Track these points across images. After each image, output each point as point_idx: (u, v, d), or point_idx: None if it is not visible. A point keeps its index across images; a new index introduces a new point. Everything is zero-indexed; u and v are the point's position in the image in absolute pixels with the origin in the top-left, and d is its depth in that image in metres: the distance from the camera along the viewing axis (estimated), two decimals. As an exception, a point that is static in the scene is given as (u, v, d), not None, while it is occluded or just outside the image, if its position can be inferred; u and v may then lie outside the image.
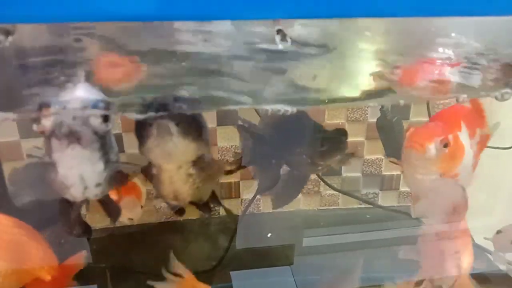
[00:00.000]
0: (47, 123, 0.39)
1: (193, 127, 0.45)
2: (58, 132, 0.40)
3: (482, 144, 0.62)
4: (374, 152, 0.90)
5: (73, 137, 0.40)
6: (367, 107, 0.86)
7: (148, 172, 0.51)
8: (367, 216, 0.89)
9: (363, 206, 0.92)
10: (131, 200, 0.67)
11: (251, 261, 0.78)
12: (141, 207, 0.70)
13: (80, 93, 0.39)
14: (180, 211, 0.61)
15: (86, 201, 0.51)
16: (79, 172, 0.44)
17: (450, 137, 0.55)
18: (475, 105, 0.60)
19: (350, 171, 0.91)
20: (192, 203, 0.57)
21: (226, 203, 0.90)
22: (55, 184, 0.45)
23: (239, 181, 0.89)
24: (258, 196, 0.88)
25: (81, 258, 0.54)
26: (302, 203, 0.93)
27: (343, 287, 0.71)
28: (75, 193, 0.46)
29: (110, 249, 0.78)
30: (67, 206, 0.50)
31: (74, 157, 0.42)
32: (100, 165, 0.45)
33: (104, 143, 0.44)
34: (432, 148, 0.54)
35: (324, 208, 0.93)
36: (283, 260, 0.78)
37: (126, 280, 0.72)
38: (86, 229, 0.56)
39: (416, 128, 0.57)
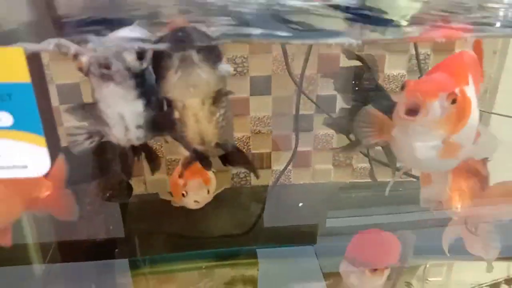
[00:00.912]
0: (83, 58, 0.40)
1: (212, 55, 0.44)
2: (93, 68, 0.41)
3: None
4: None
5: (106, 72, 0.41)
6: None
7: (170, 118, 0.49)
8: (400, 189, 0.88)
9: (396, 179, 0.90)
10: (197, 183, 0.67)
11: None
12: (208, 191, 0.69)
13: (121, 31, 0.39)
14: (207, 162, 0.59)
15: (135, 150, 0.51)
16: (117, 111, 0.44)
17: (457, 90, 0.44)
18: (478, 51, 0.51)
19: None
20: (218, 145, 0.54)
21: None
22: (99, 123, 0.46)
23: (270, 152, 0.89)
24: (289, 168, 0.88)
25: (61, 162, 0.52)
26: (333, 175, 0.92)
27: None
28: (117, 134, 0.46)
29: (141, 216, 0.80)
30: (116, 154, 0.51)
31: (110, 94, 0.43)
32: (139, 106, 0.45)
33: (141, 83, 0.44)
34: (437, 106, 0.43)
35: (355, 181, 0.92)
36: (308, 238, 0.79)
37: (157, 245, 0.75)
38: (128, 188, 0.57)
39: (415, 82, 0.45)
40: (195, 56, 0.42)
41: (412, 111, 0.43)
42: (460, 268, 0.83)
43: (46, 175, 0.34)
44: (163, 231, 0.78)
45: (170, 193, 0.73)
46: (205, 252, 0.76)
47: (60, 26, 0.44)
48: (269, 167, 0.90)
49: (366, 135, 0.51)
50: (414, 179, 0.89)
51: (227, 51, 0.80)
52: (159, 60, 0.43)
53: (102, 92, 0.43)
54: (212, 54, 0.44)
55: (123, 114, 0.45)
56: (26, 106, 0.29)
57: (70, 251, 0.65)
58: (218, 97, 0.48)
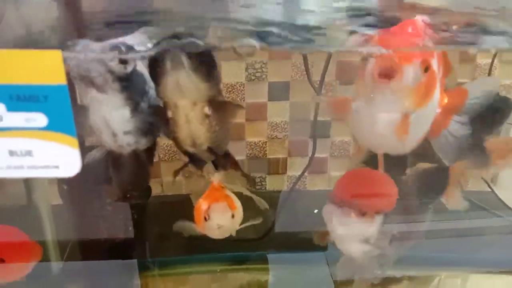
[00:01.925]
0: (68, 65, 0.40)
1: (204, 62, 0.45)
2: (76, 74, 0.41)
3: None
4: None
5: (87, 78, 0.41)
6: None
7: (164, 118, 0.50)
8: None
9: (412, 189, 0.90)
10: (221, 206, 0.62)
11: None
12: (233, 216, 0.64)
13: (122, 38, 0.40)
14: (199, 162, 0.59)
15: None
16: (103, 117, 0.45)
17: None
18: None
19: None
20: (210, 151, 0.55)
21: (272, 178, 0.91)
22: (88, 130, 0.46)
23: (286, 158, 0.89)
24: (304, 174, 0.88)
25: None
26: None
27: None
28: (106, 140, 0.47)
29: (157, 217, 0.81)
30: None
31: (95, 99, 0.43)
32: (125, 111, 0.45)
33: (126, 87, 0.44)
34: (411, 71, 0.39)
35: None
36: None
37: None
38: (147, 189, 0.58)
39: (384, 37, 0.41)
40: (184, 59, 0.43)
41: (385, 76, 0.40)
42: (475, 281, 0.82)
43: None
44: (178, 233, 0.78)
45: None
46: (218, 255, 0.77)
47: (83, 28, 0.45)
48: (285, 172, 0.90)
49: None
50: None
51: (247, 56, 0.80)
52: (153, 64, 0.44)
53: (87, 97, 0.43)
54: (204, 61, 0.45)
55: (108, 120, 0.45)
56: (61, 108, 0.30)
57: (86, 250, 0.65)
58: (212, 103, 0.49)
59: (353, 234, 0.55)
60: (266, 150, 0.88)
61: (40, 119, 0.30)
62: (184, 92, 0.46)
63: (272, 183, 0.91)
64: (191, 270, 0.75)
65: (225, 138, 0.56)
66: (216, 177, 0.65)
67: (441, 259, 0.78)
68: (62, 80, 0.29)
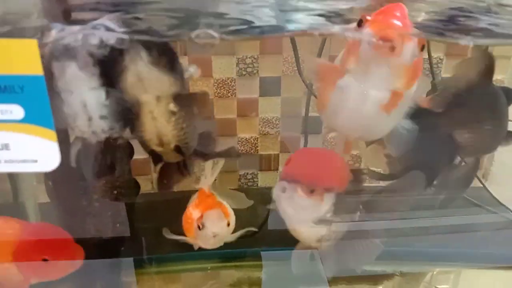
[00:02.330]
0: (47, 45, 0.39)
1: (164, 55, 0.45)
2: (56, 51, 0.40)
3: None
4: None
5: (68, 54, 0.41)
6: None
7: (129, 117, 0.49)
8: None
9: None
10: (216, 213, 0.59)
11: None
12: (228, 224, 0.61)
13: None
14: (156, 157, 0.56)
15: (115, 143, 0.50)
16: (80, 98, 0.44)
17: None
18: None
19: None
20: (178, 151, 0.53)
21: (265, 175, 0.90)
22: (63, 116, 0.45)
23: (278, 154, 0.88)
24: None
25: None
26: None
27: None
28: (81, 125, 0.46)
29: (147, 214, 0.80)
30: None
31: (73, 79, 0.43)
32: (101, 94, 0.45)
33: (103, 72, 0.44)
34: (411, 48, 0.39)
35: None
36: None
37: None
38: (136, 186, 0.57)
39: (379, 15, 0.40)
40: (143, 54, 0.42)
41: (387, 45, 0.39)
42: (467, 276, 0.82)
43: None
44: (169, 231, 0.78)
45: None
46: (210, 252, 0.76)
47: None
48: (277, 169, 0.89)
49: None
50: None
51: (238, 50, 0.79)
52: (112, 57, 0.43)
53: (65, 78, 0.42)
54: (164, 54, 0.44)
55: (86, 102, 0.44)
56: (37, 99, 0.29)
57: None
58: (178, 99, 0.48)
59: (302, 214, 0.52)
60: (258, 146, 0.87)
61: (16, 111, 0.29)
62: (145, 86, 0.45)
63: (264, 180, 0.91)
64: (184, 267, 0.75)
65: (194, 135, 0.54)
66: (205, 183, 0.64)
67: (434, 254, 0.78)
68: (38, 71, 0.28)
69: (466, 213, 0.82)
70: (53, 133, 0.30)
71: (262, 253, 0.76)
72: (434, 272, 0.80)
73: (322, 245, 0.57)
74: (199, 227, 0.58)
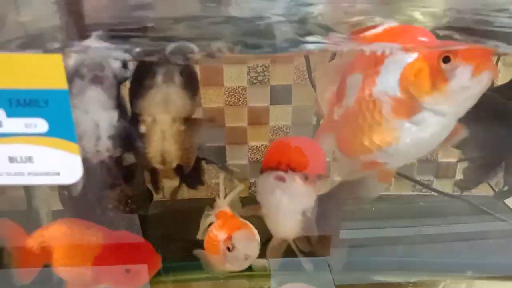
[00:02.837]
0: (70, 61, 0.41)
1: (192, 81, 0.47)
2: (84, 69, 0.41)
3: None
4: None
5: (99, 74, 0.42)
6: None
7: (134, 133, 0.50)
8: (421, 203, 0.87)
9: (415, 193, 0.89)
10: (244, 234, 0.56)
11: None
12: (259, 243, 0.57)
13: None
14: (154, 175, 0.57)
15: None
16: (94, 118, 0.45)
17: None
18: None
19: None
20: (178, 170, 0.55)
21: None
22: None
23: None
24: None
25: None
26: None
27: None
28: (87, 144, 0.46)
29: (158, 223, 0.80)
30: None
31: (93, 99, 0.43)
32: (114, 115, 0.46)
33: (119, 94, 0.45)
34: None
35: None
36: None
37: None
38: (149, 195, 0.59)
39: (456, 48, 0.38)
40: (177, 76, 0.44)
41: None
42: (479, 286, 0.81)
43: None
44: (180, 239, 0.77)
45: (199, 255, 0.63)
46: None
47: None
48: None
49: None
50: (435, 194, 0.88)
51: (249, 59, 0.80)
52: (139, 75, 0.45)
53: (83, 97, 0.43)
54: (192, 78, 0.47)
55: (99, 122, 0.45)
56: (61, 113, 0.29)
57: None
58: (188, 120, 0.50)
59: (297, 203, 0.54)
60: (268, 154, 0.87)
61: (40, 125, 0.30)
62: (169, 107, 0.47)
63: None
64: (195, 277, 0.74)
65: (193, 156, 0.56)
66: (223, 204, 0.62)
67: (446, 264, 0.77)
68: (63, 85, 0.28)
69: (477, 221, 0.82)
70: (76, 147, 0.30)
71: (271, 260, 0.76)
72: (446, 282, 0.79)
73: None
74: (228, 248, 0.55)
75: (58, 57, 0.28)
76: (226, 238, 0.55)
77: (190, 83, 0.47)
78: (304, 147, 0.56)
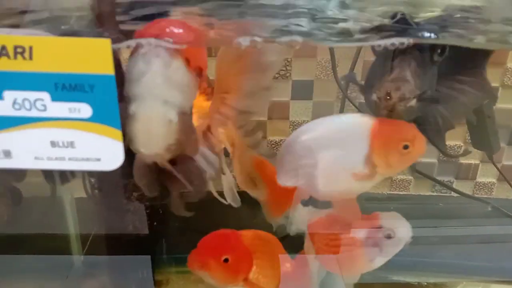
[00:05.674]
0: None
1: None
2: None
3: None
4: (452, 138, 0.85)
5: None
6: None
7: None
8: (440, 204, 0.86)
9: (435, 194, 0.88)
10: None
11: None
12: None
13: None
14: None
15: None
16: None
17: None
18: None
19: (425, 157, 0.87)
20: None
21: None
22: None
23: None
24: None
25: None
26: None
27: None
28: None
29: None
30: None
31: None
32: None
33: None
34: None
35: (393, 192, 0.90)
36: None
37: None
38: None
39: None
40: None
41: None
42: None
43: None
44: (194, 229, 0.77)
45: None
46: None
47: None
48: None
49: None
50: (456, 194, 0.87)
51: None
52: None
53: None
54: None
55: None
56: (106, 99, 0.29)
57: (108, 244, 0.65)
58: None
59: None
60: (287, 149, 0.87)
61: (84, 110, 0.30)
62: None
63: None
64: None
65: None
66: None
67: (463, 266, 0.76)
68: (109, 70, 0.28)
69: (497, 223, 0.81)
70: (119, 133, 0.30)
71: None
72: (463, 283, 0.78)
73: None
74: None
75: (106, 41, 0.28)
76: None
77: None
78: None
